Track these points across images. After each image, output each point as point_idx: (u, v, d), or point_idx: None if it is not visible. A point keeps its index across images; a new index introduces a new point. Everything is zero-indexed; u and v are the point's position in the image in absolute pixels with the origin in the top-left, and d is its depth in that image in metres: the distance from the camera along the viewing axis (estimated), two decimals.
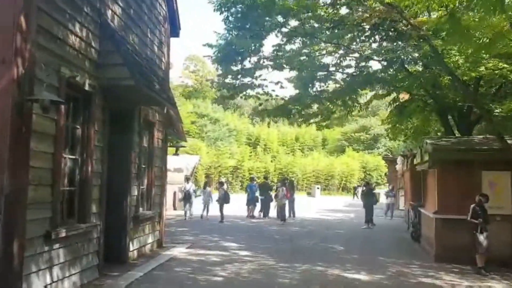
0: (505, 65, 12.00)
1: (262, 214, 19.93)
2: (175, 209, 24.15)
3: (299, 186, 45.23)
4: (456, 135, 14.79)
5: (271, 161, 50.77)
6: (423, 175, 13.50)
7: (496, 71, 12.38)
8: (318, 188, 45.61)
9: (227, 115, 64.43)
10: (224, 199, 18.62)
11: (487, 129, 15.48)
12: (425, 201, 13.26)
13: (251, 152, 52.32)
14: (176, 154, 14.40)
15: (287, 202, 19.35)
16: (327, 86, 16.55)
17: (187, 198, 19.63)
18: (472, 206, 9.45)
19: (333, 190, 49.96)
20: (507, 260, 9.74)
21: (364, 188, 18.81)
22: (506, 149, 9.97)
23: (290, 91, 53.96)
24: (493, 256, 9.46)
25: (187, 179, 21.37)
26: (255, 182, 22.06)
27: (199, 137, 53.34)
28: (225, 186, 23.47)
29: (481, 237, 9.20)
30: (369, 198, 18.10)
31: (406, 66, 13.75)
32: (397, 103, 16.19)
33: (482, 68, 12.42)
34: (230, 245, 12.11)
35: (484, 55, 12.13)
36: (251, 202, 20.49)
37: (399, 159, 24.81)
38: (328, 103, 16.46)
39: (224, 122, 59.32)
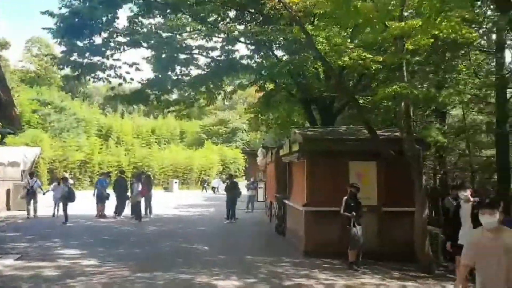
0: (369, 55, 12.06)
1: (116, 213, 17.79)
2: (8, 209, 20.60)
3: (155, 180, 43.04)
4: (319, 126, 14.71)
5: (125, 155, 47.54)
6: (289, 167, 13.03)
7: (360, 61, 12.39)
8: (176, 182, 44.05)
9: (75, 103, 58.78)
10: (68, 197, 16.03)
11: (344, 122, 15.72)
12: (291, 193, 12.79)
13: (102, 145, 48.30)
14: (1, 143, 11.66)
15: (143, 199, 17.57)
16: (190, 71, 15.20)
17: (31, 195, 17.35)
18: (344, 198, 9.03)
19: (192, 184, 48.86)
20: (374, 252, 9.54)
21: (227, 181, 17.92)
22: (374, 138, 9.81)
23: (147, 74, 51.02)
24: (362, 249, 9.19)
25: (30, 174, 18.48)
26: (107, 177, 19.74)
27: (42, 128, 47.53)
28: (70, 182, 20.66)
29: (354, 231, 8.82)
30: (233, 191, 17.28)
31: (274, 51, 13.11)
32: (264, 92, 15.54)
33: (346, 58, 12.34)
34: (75, 253, 10.03)
35: (350, 44, 12.06)
36: (99, 199, 18.17)
37: (260, 152, 24.65)
38: (190, 90, 15.14)
39: (71, 111, 53.87)
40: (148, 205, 18.34)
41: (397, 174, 9.96)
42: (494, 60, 13.86)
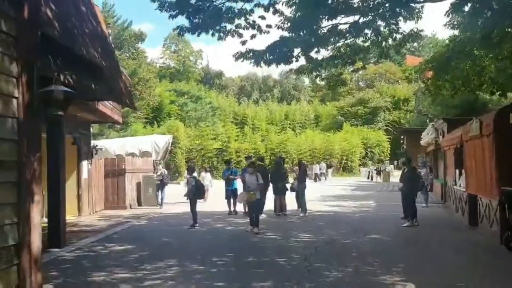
0: None
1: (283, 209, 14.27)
2: (140, 205, 18.32)
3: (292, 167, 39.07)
4: None
5: (262, 141, 44.77)
6: None
7: None
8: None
9: (211, 93, 58.49)
10: (196, 193, 12.49)
11: None
12: None
13: (238, 132, 46.24)
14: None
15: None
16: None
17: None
18: None
19: (334, 170, 43.84)
20: None
21: (404, 167, 12.90)
22: None
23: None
24: None
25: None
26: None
27: (179, 118, 47.32)
28: (203, 174, 17.58)
29: None
30: (412, 182, 12.16)
31: None
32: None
33: None
34: None
35: None
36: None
37: (430, 128, 19.04)
38: (349, 38, 10.46)
39: (207, 100, 53.14)
40: (301, 200, 14.52)
41: None
42: None
